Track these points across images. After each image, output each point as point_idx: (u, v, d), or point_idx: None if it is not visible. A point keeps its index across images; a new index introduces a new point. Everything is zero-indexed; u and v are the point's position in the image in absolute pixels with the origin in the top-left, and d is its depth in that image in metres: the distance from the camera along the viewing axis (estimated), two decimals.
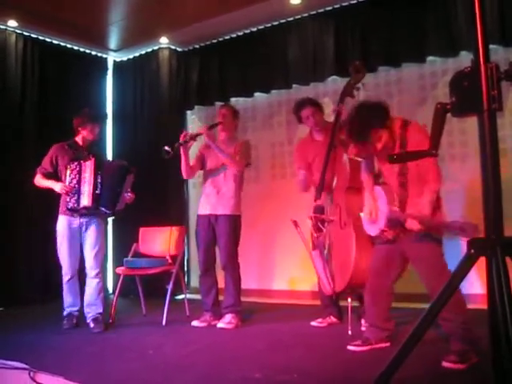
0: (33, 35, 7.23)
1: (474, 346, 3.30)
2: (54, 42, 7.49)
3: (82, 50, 7.82)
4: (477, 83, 1.71)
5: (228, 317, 5.02)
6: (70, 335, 4.79)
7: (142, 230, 6.02)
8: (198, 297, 6.06)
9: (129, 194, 5.14)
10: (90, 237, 5.06)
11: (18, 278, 6.73)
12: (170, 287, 5.31)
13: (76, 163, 4.99)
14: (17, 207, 6.79)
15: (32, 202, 6.87)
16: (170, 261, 5.45)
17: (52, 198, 6.79)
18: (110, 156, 8.04)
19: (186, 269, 7.62)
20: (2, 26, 6.88)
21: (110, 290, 7.67)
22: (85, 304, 5.07)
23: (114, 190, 5.04)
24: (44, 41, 7.38)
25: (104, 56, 8.16)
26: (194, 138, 5.09)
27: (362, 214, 3.87)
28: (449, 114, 1.87)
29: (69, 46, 7.66)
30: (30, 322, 5.44)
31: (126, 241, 6.51)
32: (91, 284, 5.06)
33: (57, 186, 5.00)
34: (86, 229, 5.07)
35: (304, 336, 4.50)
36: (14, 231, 6.77)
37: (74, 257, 5.08)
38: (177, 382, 3.19)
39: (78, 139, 5.19)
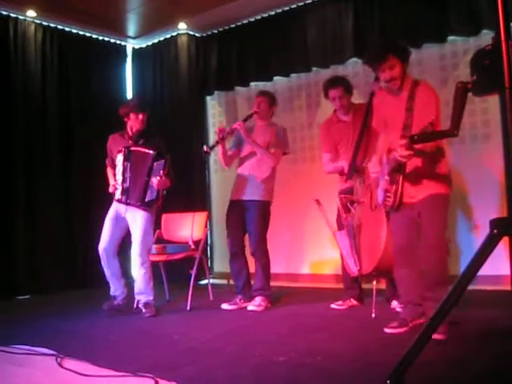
0: (51, 25, 7.26)
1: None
2: (73, 30, 7.52)
3: (100, 38, 7.85)
4: (498, 61, 1.68)
5: (258, 299, 5.08)
6: (95, 322, 4.84)
7: (164, 216, 6.05)
8: (221, 281, 6.10)
9: (157, 178, 5.02)
10: (134, 228, 5.09)
11: (44, 265, 6.81)
12: (193, 272, 5.34)
13: (121, 154, 5.08)
14: (41, 195, 6.86)
15: (57, 189, 6.96)
16: (193, 246, 5.47)
17: (74, 187, 6.91)
18: None
19: (209, 254, 7.66)
20: (21, 17, 6.92)
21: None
22: (135, 292, 5.14)
23: (140, 181, 5.05)
24: (63, 30, 7.41)
25: (123, 43, 8.18)
26: (230, 133, 5.15)
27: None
28: (470, 94, 1.85)
29: (87, 34, 7.69)
30: (56, 309, 5.52)
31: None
32: (139, 274, 5.09)
33: (110, 186, 5.15)
34: (128, 217, 5.10)
35: (328, 319, 4.51)
36: (39, 220, 6.84)
37: (110, 235, 5.08)
38: (203, 366, 3.21)
39: (130, 127, 5.23)
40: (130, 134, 5.20)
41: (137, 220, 5.07)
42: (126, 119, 5.20)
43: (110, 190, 5.12)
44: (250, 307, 5.03)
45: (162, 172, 5.07)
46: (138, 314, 5.00)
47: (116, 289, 5.17)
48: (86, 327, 4.61)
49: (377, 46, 3.98)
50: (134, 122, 5.16)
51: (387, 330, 3.78)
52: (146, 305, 5.04)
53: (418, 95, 3.65)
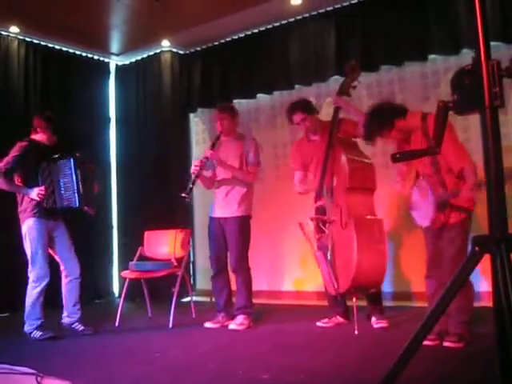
0: (35, 41, 7.24)
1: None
2: (56, 47, 7.50)
3: (84, 54, 7.84)
4: (478, 80, 1.70)
5: (240, 318, 5.03)
6: (75, 339, 4.79)
7: (146, 233, 6.02)
8: (204, 299, 6.05)
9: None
10: (62, 240, 4.98)
11: (22, 283, 6.71)
12: (175, 290, 5.31)
13: (46, 163, 4.91)
14: (16, 212, 6.78)
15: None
16: (175, 263, 5.44)
17: None
18: (113, 161, 8.05)
19: (191, 271, 7.61)
20: (4, 33, 6.90)
21: (116, 293, 7.68)
22: (69, 306, 5.01)
23: (92, 194, 5.02)
24: (46, 46, 7.39)
25: (106, 60, 8.17)
26: (203, 167, 5.04)
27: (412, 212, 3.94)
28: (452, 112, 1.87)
29: (71, 50, 7.67)
30: None
31: (131, 244, 6.52)
32: (73, 286, 4.98)
33: (32, 193, 4.83)
34: (56, 232, 4.98)
35: (311, 336, 4.50)
36: (13, 235, 6.75)
37: (48, 261, 4.95)
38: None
39: (42, 138, 5.06)
40: (47, 143, 5.06)
41: (64, 235, 5.00)
42: (39, 129, 5.03)
43: (38, 196, 4.80)
44: (233, 326, 4.98)
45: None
46: (119, 333, 4.96)
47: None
48: (66, 345, 4.56)
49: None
50: (47, 137, 5.05)
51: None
52: (83, 322, 4.97)
53: (429, 125, 3.75)
